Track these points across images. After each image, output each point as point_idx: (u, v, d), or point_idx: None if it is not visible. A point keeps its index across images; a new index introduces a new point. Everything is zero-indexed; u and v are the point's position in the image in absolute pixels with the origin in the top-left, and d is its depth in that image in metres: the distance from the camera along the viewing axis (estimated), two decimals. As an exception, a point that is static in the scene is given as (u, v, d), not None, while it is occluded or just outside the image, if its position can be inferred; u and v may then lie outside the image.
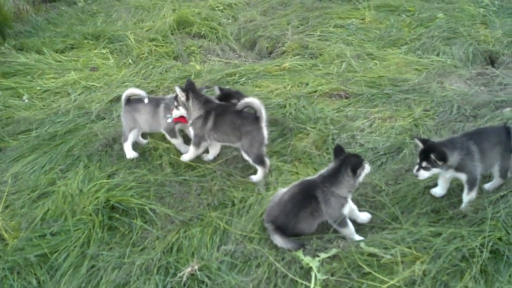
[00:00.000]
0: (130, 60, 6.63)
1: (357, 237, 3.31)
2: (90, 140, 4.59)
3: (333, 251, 3.14)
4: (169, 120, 4.28)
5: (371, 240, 3.22)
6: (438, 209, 3.41)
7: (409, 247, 3.07)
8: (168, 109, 4.28)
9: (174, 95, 4.17)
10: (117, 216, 3.69)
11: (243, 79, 5.68)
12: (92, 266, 3.34)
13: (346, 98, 4.99)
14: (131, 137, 4.42)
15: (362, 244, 3.15)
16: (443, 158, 3.24)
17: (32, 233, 3.63)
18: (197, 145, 4.14)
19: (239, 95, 4.49)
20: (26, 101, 5.71)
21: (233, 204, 3.73)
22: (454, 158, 3.28)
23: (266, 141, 3.93)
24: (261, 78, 5.66)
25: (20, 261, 3.38)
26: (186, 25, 7.44)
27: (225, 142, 4.10)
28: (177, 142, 4.42)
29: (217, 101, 4.23)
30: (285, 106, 4.83)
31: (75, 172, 4.23)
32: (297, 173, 3.96)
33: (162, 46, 6.94)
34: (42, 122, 5.12)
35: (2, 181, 4.29)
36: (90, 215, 3.66)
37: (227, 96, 4.45)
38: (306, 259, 3.07)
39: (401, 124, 4.37)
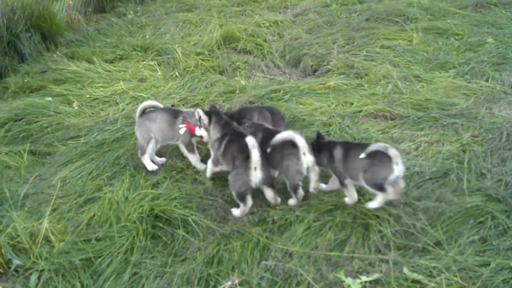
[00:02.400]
0: (176, 73, 6.75)
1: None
2: (136, 149, 4.67)
3: (376, 275, 3.11)
4: (181, 132, 4.36)
5: (415, 265, 3.18)
6: (485, 238, 3.33)
7: (455, 276, 3.01)
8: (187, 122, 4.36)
9: (193, 110, 4.26)
10: (160, 225, 3.74)
11: (287, 96, 5.70)
12: (135, 273, 3.39)
13: (392, 119, 4.94)
14: (150, 149, 4.49)
15: (405, 270, 3.12)
16: None
17: (77, 237, 3.72)
18: (215, 163, 4.18)
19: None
20: (76, 108, 5.88)
21: (274, 221, 3.73)
22: None
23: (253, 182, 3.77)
24: (305, 96, 5.67)
25: (65, 264, 3.45)
26: (232, 40, 7.54)
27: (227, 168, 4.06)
28: (194, 158, 4.46)
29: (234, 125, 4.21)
30: (330, 125, 4.82)
31: (121, 179, 4.32)
32: (338, 194, 3.94)
33: (208, 60, 7.04)
34: (90, 130, 5.26)
35: (50, 184, 4.41)
36: (135, 222, 3.73)
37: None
38: (348, 281, 3.05)
39: (448, 149, 4.29)
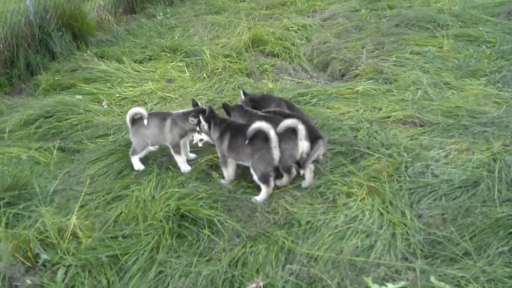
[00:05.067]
0: (204, 74, 6.79)
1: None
2: (163, 149, 4.71)
3: (402, 283, 3.07)
4: (195, 143, 4.67)
5: (442, 274, 3.13)
6: (516, 249, 3.26)
7: (483, 286, 2.96)
8: (175, 124, 4.48)
9: (182, 111, 4.58)
10: (186, 224, 3.76)
11: (315, 99, 5.68)
12: (160, 272, 3.41)
13: (421, 126, 4.88)
14: (143, 154, 4.61)
15: (432, 279, 3.07)
16: None
17: (104, 234, 3.75)
18: (224, 163, 4.27)
19: (266, 100, 4.76)
20: (105, 107, 5.97)
21: (300, 225, 3.72)
22: None
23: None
24: (333, 100, 5.64)
25: (92, 260, 3.48)
26: (260, 43, 7.55)
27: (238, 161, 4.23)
28: (180, 159, 4.52)
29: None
30: (358, 130, 4.78)
31: (148, 178, 4.36)
32: (364, 199, 3.90)
33: (236, 62, 7.07)
34: (119, 128, 5.32)
35: (79, 181, 4.48)
36: (161, 221, 3.75)
37: (253, 101, 4.74)
38: (374, 287, 3.01)
39: (479, 157, 4.21)
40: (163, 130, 4.53)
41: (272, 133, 3.90)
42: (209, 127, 4.31)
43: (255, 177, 4.05)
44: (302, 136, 3.97)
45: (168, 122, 4.52)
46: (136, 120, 4.56)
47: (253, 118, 4.31)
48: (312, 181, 4.15)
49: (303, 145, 4.01)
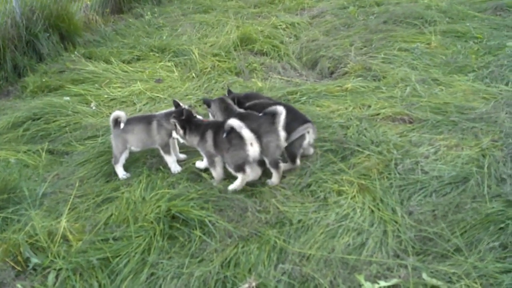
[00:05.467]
0: (193, 74, 6.77)
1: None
2: (153, 150, 4.68)
3: (394, 280, 3.08)
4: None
5: (434, 271, 3.14)
6: (506, 244, 3.27)
7: (475, 282, 2.98)
8: (161, 126, 4.46)
9: (164, 111, 4.59)
10: (177, 225, 3.74)
11: (304, 98, 5.68)
12: (152, 274, 3.39)
13: (410, 123, 4.89)
14: (123, 159, 4.56)
15: (424, 275, 3.08)
16: None
17: (95, 236, 3.73)
18: (212, 164, 4.27)
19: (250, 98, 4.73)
20: (94, 108, 5.92)
21: (291, 224, 3.72)
22: None
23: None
24: (323, 98, 5.64)
25: (83, 263, 3.46)
26: (248, 42, 7.54)
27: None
28: (170, 159, 4.51)
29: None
30: (347, 127, 4.78)
31: (138, 180, 4.33)
32: (354, 196, 3.91)
33: (225, 61, 7.06)
34: (108, 129, 5.26)
35: (68, 183, 4.44)
36: (152, 223, 3.74)
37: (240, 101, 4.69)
38: (367, 285, 3.03)
39: (468, 153, 4.23)
40: (150, 134, 4.50)
41: (244, 132, 3.92)
42: (185, 132, 4.31)
43: (231, 170, 4.10)
44: (252, 140, 3.98)
45: (155, 124, 4.49)
46: (118, 123, 4.53)
47: (231, 114, 4.35)
48: (278, 180, 4.18)
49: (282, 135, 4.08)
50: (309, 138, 4.31)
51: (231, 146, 4.02)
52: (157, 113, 4.67)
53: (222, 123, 4.15)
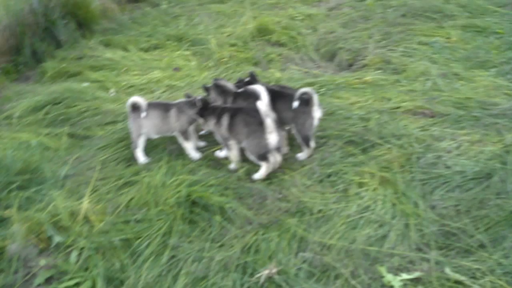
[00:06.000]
0: (211, 63, 6.76)
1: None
2: (173, 137, 4.69)
3: (417, 273, 3.08)
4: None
5: (457, 266, 3.13)
6: (532, 241, 3.26)
7: (499, 279, 2.97)
8: (181, 113, 4.48)
9: (184, 100, 4.60)
10: (198, 211, 3.77)
11: (323, 89, 5.66)
12: (173, 256, 3.42)
13: (431, 117, 4.85)
14: (141, 143, 4.57)
15: (447, 270, 3.08)
16: None
17: (117, 218, 3.77)
18: (228, 147, 4.34)
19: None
20: (113, 94, 5.94)
21: (311, 213, 3.72)
22: None
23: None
24: (342, 90, 5.62)
25: (105, 243, 3.51)
26: (266, 32, 7.52)
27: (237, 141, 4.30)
28: (189, 145, 4.53)
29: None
30: (367, 120, 4.76)
31: (158, 165, 4.34)
32: (376, 189, 3.90)
33: (242, 51, 7.04)
34: (127, 116, 5.29)
35: (90, 167, 4.47)
36: (172, 207, 3.76)
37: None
38: (388, 277, 3.02)
39: (491, 149, 4.19)
40: (167, 121, 4.52)
41: (268, 120, 3.95)
42: (205, 120, 4.38)
43: (253, 158, 4.14)
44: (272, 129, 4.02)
45: (172, 112, 4.51)
46: (136, 108, 4.54)
47: (228, 95, 4.56)
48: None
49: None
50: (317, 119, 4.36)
51: (250, 133, 4.04)
52: (176, 101, 4.67)
53: (238, 108, 4.23)
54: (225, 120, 4.21)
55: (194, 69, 6.65)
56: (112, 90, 6.01)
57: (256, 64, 6.73)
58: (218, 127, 4.28)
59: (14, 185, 4.00)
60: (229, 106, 4.43)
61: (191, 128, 4.57)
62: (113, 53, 7.06)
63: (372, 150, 4.35)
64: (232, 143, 4.25)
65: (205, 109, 4.34)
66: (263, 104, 4.06)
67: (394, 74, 5.96)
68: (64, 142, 4.87)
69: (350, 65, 6.63)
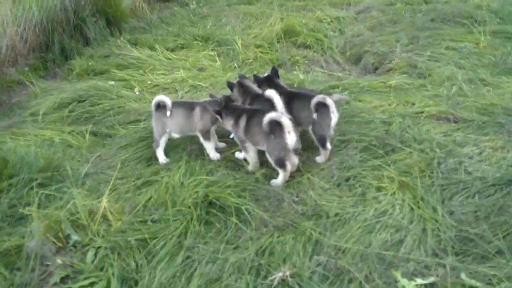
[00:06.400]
0: (235, 64, 6.80)
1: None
2: (193, 137, 4.72)
3: (431, 279, 3.02)
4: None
5: (473, 272, 3.07)
6: (552, 249, 3.17)
7: (516, 286, 2.90)
8: (204, 112, 4.48)
9: (208, 99, 4.64)
10: (214, 211, 3.78)
11: (346, 92, 5.62)
12: (188, 257, 3.42)
13: (455, 122, 4.77)
14: (163, 142, 4.59)
15: (463, 276, 3.01)
16: None
17: (134, 217, 3.80)
18: (244, 150, 4.31)
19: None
20: (137, 93, 6.03)
21: (328, 217, 3.69)
22: None
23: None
24: (365, 93, 5.57)
25: (121, 243, 3.52)
26: (292, 34, 7.53)
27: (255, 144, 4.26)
28: (209, 145, 4.53)
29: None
30: (389, 124, 4.71)
31: (177, 165, 4.38)
32: (394, 193, 3.85)
33: (267, 53, 7.07)
34: (150, 115, 5.32)
35: (110, 165, 4.53)
36: (189, 207, 3.78)
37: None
38: (403, 281, 2.98)
39: (514, 156, 4.11)
40: (191, 120, 4.54)
41: (284, 120, 3.92)
42: (221, 117, 4.38)
43: (271, 162, 4.10)
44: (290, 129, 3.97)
45: (197, 110, 4.52)
46: (160, 107, 4.58)
47: (248, 96, 4.59)
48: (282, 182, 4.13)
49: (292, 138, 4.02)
50: (335, 119, 4.34)
51: (270, 135, 4.02)
52: (200, 100, 4.70)
53: (256, 110, 4.22)
54: (242, 122, 4.21)
55: (219, 70, 6.70)
56: (136, 89, 6.10)
57: (280, 65, 6.73)
58: (236, 129, 4.29)
59: (35, 183, 4.07)
60: (248, 108, 4.43)
61: (213, 129, 4.59)
62: (140, 52, 7.15)
63: (393, 154, 4.29)
64: (249, 145, 4.25)
65: (225, 108, 4.35)
66: (278, 104, 4.10)
67: (420, 79, 5.90)
68: (87, 140, 4.95)
69: (376, 69, 6.60)
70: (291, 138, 3.96)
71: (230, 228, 3.65)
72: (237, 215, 3.74)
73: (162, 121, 4.57)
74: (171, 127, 4.58)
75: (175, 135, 4.66)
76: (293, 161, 4.13)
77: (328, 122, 4.26)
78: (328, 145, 4.32)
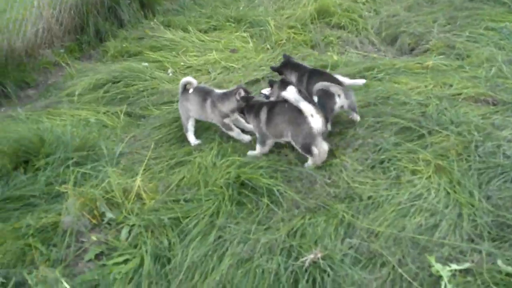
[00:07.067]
0: (268, 45, 6.74)
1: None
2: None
3: (466, 264, 2.97)
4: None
5: (510, 258, 2.99)
6: None
7: (556, 273, 2.81)
8: (215, 105, 4.42)
9: (224, 90, 4.54)
10: (246, 192, 3.79)
11: (382, 74, 5.49)
12: (219, 237, 3.46)
13: (494, 105, 4.62)
14: (190, 126, 4.59)
15: (499, 262, 2.94)
16: None
17: (167, 196, 3.86)
18: (262, 142, 4.26)
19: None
20: (171, 74, 6.06)
21: (361, 200, 3.65)
22: None
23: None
24: (401, 75, 5.43)
25: (154, 221, 3.59)
26: (326, 15, 7.38)
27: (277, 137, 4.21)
28: (234, 134, 4.50)
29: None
30: (426, 106, 4.58)
31: (210, 147, 4.40)
32: (430, 177, 3.76)
33: (301, 34, 6.97)
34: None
35: (144, 145, 4.60)
36: (221, 187, 3.80)
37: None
38: (437, 267, 2.93)
39: (555, 140, 3.96)
40: (204, 109, 4.52)
41: (302, 105, 3.86)
42: (243, 113, 4.38)
43: (298, 149, 4.06)
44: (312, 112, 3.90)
45: (208, 102, 4.49)
46: (185, 91, 4.60)
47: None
48: (319, 161, 4.05)
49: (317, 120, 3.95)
50: (341, 102, 4.31)
51: (291, 123, 3.97)
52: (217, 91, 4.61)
53: (276, 102, 4.19)
54: (263, 114, 4.15)
55: (251, 51, 6.65)
56: (169, 70, 6.13)
57: (313, 47, 6.65)
58: (257, 122, 4.23)
59: (71, 161, 4.16)
60: (266, 101, 4.37)
61: (229, 120, 4.52)
62: (173, 33, 7.17)
63: (429, 137, 4.18)
64: (270, 141, 4.23)
65: (246, 103, 4.31)
66: (291, 92, 4.00)
67: (458, 60, 5.71)
68: (122, 121, 5.04)
69: (412, 50, 6.42)
70: (315, 121, 3.89)
71: (262, 209, 3.66)
72: (268, 196, 3.74)
73: (185, 106, 4.59)
74: (192, 112, 4.59)
75: (199, 118, 4.67)
76: (322, 146, 4.01)
77: (331, 105, 4.29)
78: (329, 127, 4.30)
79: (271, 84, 4.60)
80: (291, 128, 3.98)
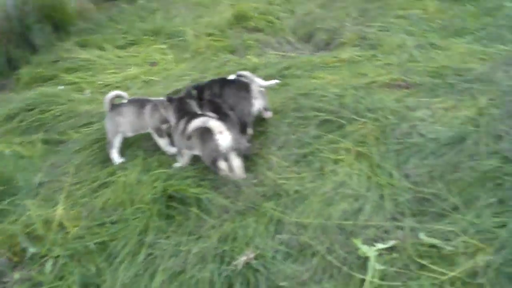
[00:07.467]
0: (188, 55, 6.70)
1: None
2: (148, 134, 4.62)
3: (392, 242, 3.04)
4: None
5: (431, 230, 3.10)
6: (503, 199, 3.20)
7: (472, 238, 2.94)
8: (155, 110, 4.37)
9: (161, 98, 4.44)
10: (174, 205, 3.72)
11: (300, 71, 5.59)
12: (149, 254, 3.37)
13: (407, 88, 4.80)
14: (117, 142, 4.50)
15: (421, 235, 3.05)
16: None
17: (92, 221, 3.71)
18: (179, 153, 4.24)
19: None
20: (88, 95, 5.89)
21: (288, 195, 3.68)
22: None
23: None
24: (318, 70, 5.55)
25: (80, 249, 3.45)
26: (243, 19, 7.46)
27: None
28: (163, 142, 4.45)
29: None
30: (343, 97, 4.68)
31: (133, 163, 4.29)
32: (351, 164, 3.85)
33: (220, 40, 6.99)
34: (102, 116, 5.18)
35: (64, 172, 4.41)
36: (148, 204, 3.70)
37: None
38: (363, 248, 2.99)
39: (465, 114, 4.13)
40: (142, 117, 4.44)
41: (211, 123, 3.79)
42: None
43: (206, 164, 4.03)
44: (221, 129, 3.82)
45: (148, 108, 4.41)
46: (114, 106, 4.49)
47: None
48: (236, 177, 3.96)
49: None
50: (258, 104, 4.38)
51: (200, 138, 3.91)
52: (154, 98, 4.58)
53: (197, 114, 4.09)
54: (181, 124, 4.06)
55: (171, 62, 6.61)
56: (87, 91, 5.96)
57: (232, 52, 6.66)
58: (175, 131, 4.16)
59: (-13, 198, 3.96)
60: (193, 111, 4.24)
61: (165, 126, 4.48)
62: (89, 53, 7.00)
63: (348, 126, 4.28)
64: (185, 151, 4.15)
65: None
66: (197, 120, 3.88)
67: (371, 50, 5.91)
68: (39, 149, 4.81)
69: (327, 45, 6.57)
70: (223, 138, 3.80)
71: (191, 219, 3.61)
72: (197, 205, 3.70)
73: (115, 121, 4.47)
74: (124, 125, 4.48)
75: (129, 134, 4.56)
76: (233, 163, 3.90)
77: (249, 108, 4.33)
78: (250, 131, 4.42)
79: (169, 100, 4.38)
80: (199, 142, 3.92)
